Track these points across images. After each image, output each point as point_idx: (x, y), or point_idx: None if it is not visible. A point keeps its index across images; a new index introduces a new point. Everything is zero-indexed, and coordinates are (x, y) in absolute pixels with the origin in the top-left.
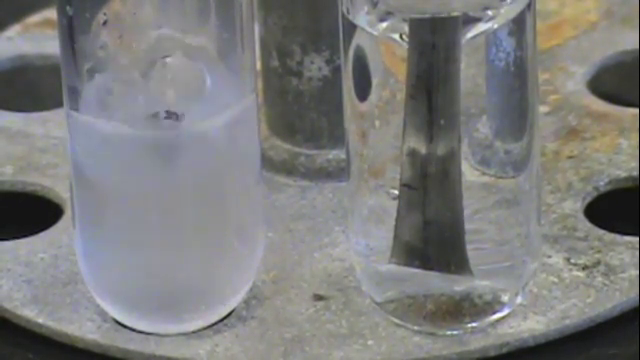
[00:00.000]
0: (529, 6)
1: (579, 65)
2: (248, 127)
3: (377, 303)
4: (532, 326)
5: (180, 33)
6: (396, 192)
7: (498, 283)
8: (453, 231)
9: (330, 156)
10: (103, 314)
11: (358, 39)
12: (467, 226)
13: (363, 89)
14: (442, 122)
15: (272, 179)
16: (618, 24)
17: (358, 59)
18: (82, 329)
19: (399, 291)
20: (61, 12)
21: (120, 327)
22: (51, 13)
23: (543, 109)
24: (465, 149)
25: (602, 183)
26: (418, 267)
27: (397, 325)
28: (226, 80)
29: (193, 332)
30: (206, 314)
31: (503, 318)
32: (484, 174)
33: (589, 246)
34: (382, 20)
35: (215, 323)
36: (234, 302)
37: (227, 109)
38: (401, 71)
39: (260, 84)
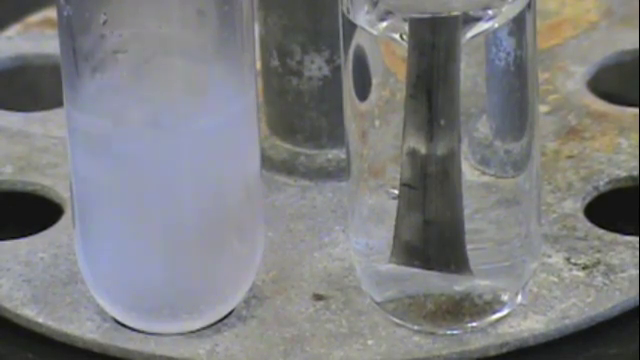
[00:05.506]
0: (529, 6)
1: (579, 65)
2: (248, 127)
3: (377, 303)
4: (532, 326)
5: (180, 33)
6: (396, 192)
7: (498, 283)
8: (453, 231)
9: (330, 156)
10: (103, 314)
11: (358, 39)
12: (467, 226)
13: (363, 89)
14: (442, 122)
15: (272, 179)
16: (618, 24)
17: (358, 59)
18: (82, 329)
19: (399, 291)
20: (61, 12)
21: (120, 327)
22: (51, 12)
23: (543, 109)
24: (465, 149)
25: (602, 183)
26: (418, 267)
27: (397, 325)
28: (226, 80)
29: (193, 332)
30: (206, 314)
31: (503, 318)
32: (484, 174)
33: (589, 246)
34: (382, 20)
35: (215, 323)
36: (234, 302)
37: (227, 108)
38: (401, 71)
39: (260, 84)
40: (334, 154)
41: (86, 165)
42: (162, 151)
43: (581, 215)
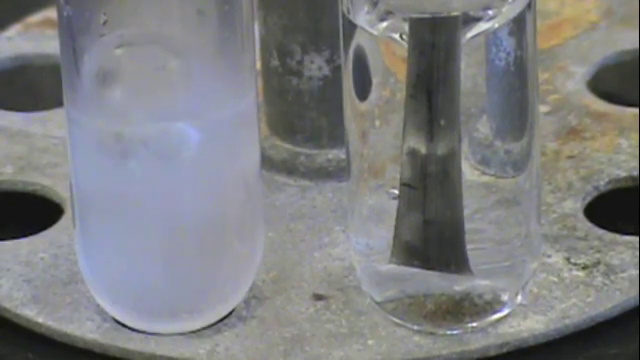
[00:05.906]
0: (529, 6)
1: (579, 65)
2: (248, 127)
3: (377, 303)
4: (532, 326)
5: (180, 33)
6: (396, 192)
7: (498, 283)
8: (453, 231)
9: (330, 156)
10: (103, 314)
11: (358, 39)
12: (467, 226)
13: (363, 89)
14: (442, 122)
15: (272, 179)
16: (618, 24)
17: (358, 59)
18: (82, 329)
19: (399, 291)
20: (61, 12)
21: (120, 327)
22: (51, 12)
23: (543, 109)
24: (465, 149)
25: (602, 183)
26: (418, 267)
27: (397, 325)
28: (226, 80)
29: (193, 332)
30: (206, 314)
31: (503, 318)
32: (484, 174)
33: (589, 246)
34: (382, 20)
35: (215, 323)
36: (234, 301)
37: (227, 109)
38: (401, 71)
39: (260, 84)
40: (334, 154)
41: (86, 165)
42: (162, 151)
43: (581, 215)
